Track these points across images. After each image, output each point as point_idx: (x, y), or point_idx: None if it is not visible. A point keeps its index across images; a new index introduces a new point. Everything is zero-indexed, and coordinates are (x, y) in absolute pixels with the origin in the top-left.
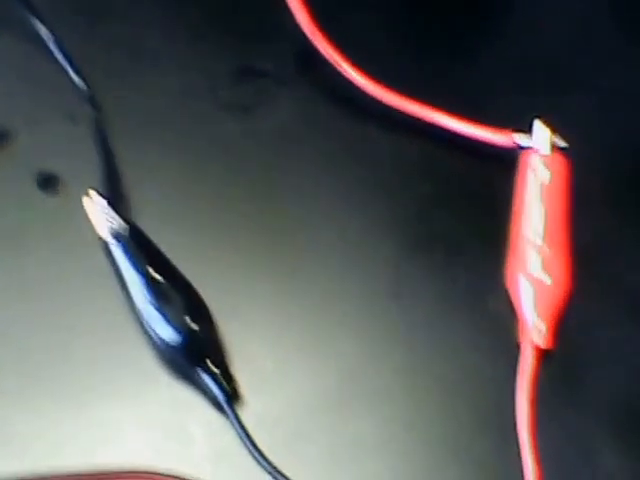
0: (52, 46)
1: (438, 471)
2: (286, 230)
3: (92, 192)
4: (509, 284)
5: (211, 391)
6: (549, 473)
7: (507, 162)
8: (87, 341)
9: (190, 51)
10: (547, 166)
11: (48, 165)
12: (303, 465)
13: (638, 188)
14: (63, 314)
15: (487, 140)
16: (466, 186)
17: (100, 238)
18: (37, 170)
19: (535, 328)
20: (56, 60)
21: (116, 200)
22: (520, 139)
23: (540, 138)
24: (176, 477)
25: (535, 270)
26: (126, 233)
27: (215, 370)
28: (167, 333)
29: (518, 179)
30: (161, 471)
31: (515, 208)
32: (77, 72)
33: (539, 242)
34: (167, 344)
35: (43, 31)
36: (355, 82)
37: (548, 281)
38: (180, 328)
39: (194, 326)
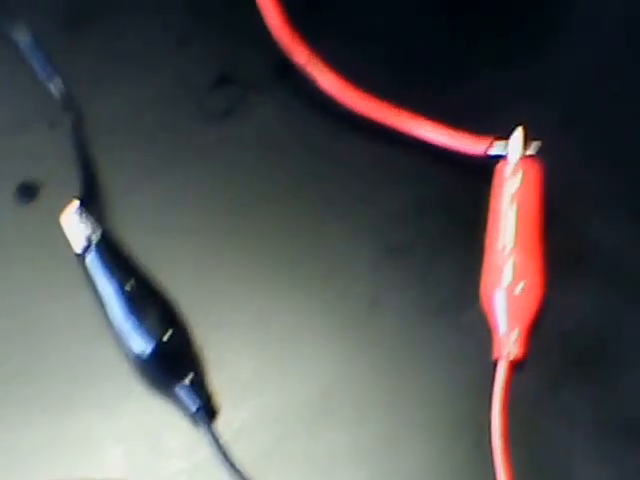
0: (31, 53)
1: None
2: (265, 237)
3: (70, 206)
4: (483, 295)
5: (187, 404)
6: None
7: (486, 172)
8: (63, 354)
9: (170, 58)
10: (520, 174)
11: (28, 172)
12: (280, 478)
13: (613, 194)
14: (38, 325)
15: (464, 149)
16: (444, 195)
17: (75, 254)
18: (16, 177)
19: (508, 339)
20: (35, 64)
21: (95, 207)
22: (494, 148)
23: (515, 147)
24: None
25: (508, 281)
26: (99, 242)
27: (191, 383)
28: (142, 346)
29: (493, 189)
30: None
31: (489, 218)
32: (56, 79)
33: (511, 252)
34: (142, 357)
35: (22, 38)
36: (331, 90)
37: (521, 291)
38: (155, 341)
39: (169, 339)
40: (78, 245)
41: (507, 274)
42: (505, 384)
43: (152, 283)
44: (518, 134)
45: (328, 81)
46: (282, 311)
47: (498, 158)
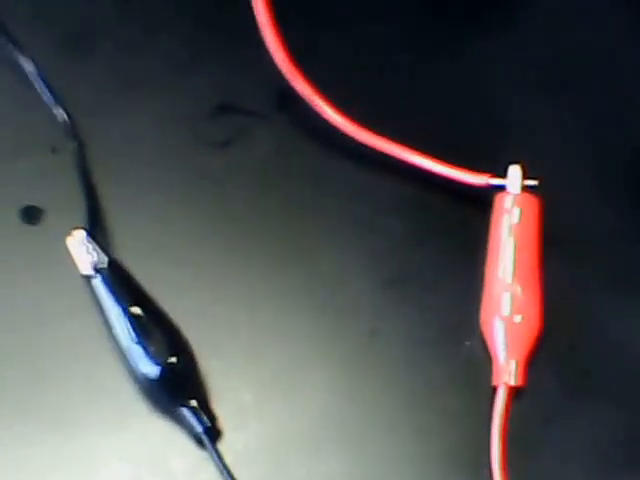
0: (35, 79)
1: None
2: (264, 265)
3: (75, 231)
4: (483, 324)
5: (191, 425)
6: None
7: (484, 201)
8: (69, 375)
9: (171, 86)
10: (518, 207)
11: (31, 196)
12: None
13: (608, 224)
14: (45, 347)
15: (463, 180)
16: (442, 225)
17: (82, 275)
18: (19, 201)
19: (507, 368)
20: (38, 90)
21: (98, 233)
22: (494, 181)
23: (513, 180)
24: None
25: (507, 311)
26: (107, 267)
27: (195, 405)
28: (148, 368)
29: (492, 220)
30: None
31: (489, 247)
32: (58, 103)
33: (510, 282)
34: (148, 379)
35: (26, 64)
36: (332, 121)
37: (519, 320)
38: (161, 363)
39: (175, 361)
40: (85, 268)
41: (506, 305)
42: (504, 410)
43: (159, 307)
44: (516, 168)
45: (328, 112)
46: (282, 340)
47: (498, 188)
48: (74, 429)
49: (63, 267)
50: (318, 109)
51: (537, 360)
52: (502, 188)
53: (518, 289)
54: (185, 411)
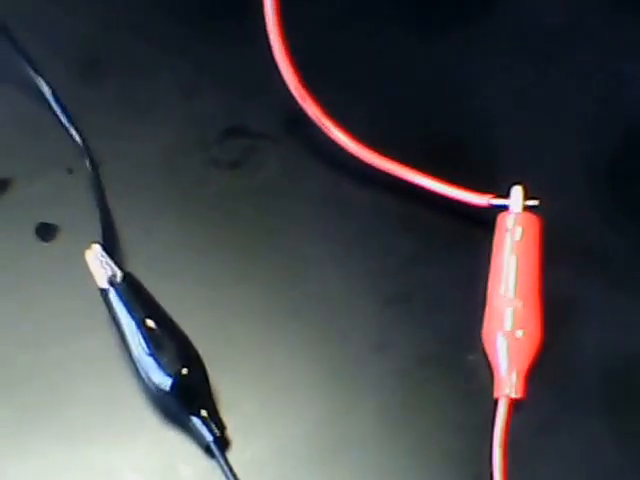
0: (50, 99)
1: None
2: (272, 282)
3: (94, 245)
4: (485, 339)
5: (201, 435)
6: None
7: (487, 220)
8: (81, 386)
9: (183, 108)
10: (520, 225)
11: (46, 215)
12: None
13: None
14: (59, 360)
15: (466, 201)
16: (446, 243)
17: (99, 288)
18: (36, 220)
19: (509, 380)
20: (54, 113)
21: (112, 249)
22: (497, 202)
23: (516, 200)
24: None
25: (509, 326)
26: (122, 281)
27: (205, 415)
28: (160, 379)
29: (495, 238)
30: None
31: (492, 263)
32: (74, 125)
33: (512, 298)
34: (160, 389)
35: (41, 84)
36: (341, 143)
37: (521, 335)
38: (173, 374)
39: (186, 372)
40: (102, 282)
41: (508, 321)
42: (506, 422)
43: (171, 320)
44: (518, 189)
45: (337, 134)
46: (289, 354)
47: (500, 208)
48: (86, 440)
49: (77, 283)
50: (328, 133)
51: (536, 372)
52: (504, 208)
53: (520, 305)
54: (195, 420)
